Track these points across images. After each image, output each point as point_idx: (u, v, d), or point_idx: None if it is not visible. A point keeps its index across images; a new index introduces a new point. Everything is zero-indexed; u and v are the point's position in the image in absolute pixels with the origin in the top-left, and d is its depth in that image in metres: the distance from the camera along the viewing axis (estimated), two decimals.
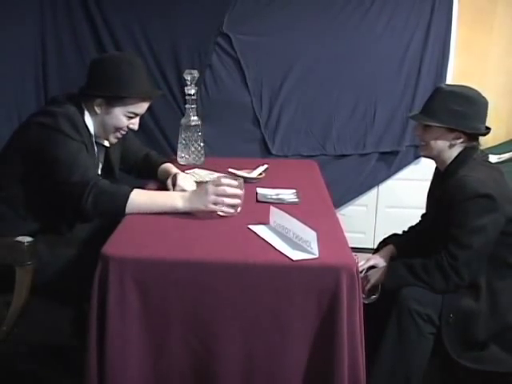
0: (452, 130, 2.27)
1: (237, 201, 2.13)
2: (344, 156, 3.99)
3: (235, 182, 2.14)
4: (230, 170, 2.68)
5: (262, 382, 1.80)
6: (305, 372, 1.79)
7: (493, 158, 3.65)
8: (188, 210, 2.11)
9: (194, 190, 2.20)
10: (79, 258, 2.20)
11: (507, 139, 4.03)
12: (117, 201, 2.10)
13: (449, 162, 2.32)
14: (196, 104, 2.94)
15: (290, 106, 3.91)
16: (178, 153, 2.95)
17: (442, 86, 2.37)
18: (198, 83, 3.15)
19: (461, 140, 2.28)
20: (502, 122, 4.05)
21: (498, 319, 2.20)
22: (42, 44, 3.82)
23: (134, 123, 2.32)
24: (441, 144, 2.30)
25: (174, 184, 2.38)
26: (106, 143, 2.41)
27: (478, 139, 2.33)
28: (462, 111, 2.24)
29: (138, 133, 2.40)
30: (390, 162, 3.99)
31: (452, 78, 3.88)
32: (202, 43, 3.80)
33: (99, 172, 2.43)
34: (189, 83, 2.87)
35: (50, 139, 2.12)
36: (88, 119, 2.27)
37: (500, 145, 3.97)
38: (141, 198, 2.12)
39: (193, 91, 2.88)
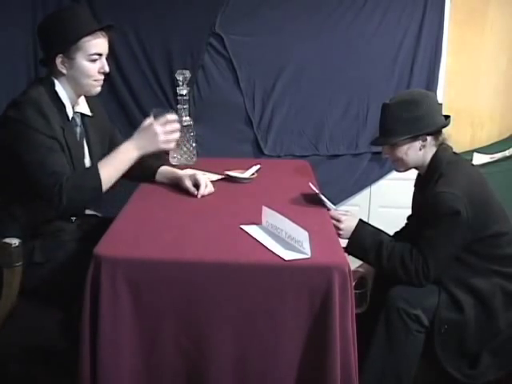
0: (415, 138, 2.28)
1: (178, 134, 2.30)
2: (337, 156, 4.00)
3: (175, 116, 2.29)
4: (227, 172, 2.68)
5: (255, 381, 1.80)
6: (297, 372, 1.79)
7: (485, 158, 3.67)
8: (143, 154, 2.24)
9: (141, 135, 2.24)
10: (71, 258, 2.19)
11: (500, 139, 4.04)
12: (91, 190, 2.13)
13: (426, 165, 2.34)
14: (188, 104, 2.93)
15: (282, 106, 3.91)
16: (170, 153, 2.94)
17: (386, 101, 2.36)
18: (190, 83, 3.15)
19: (428, 141, 2.30)
20: (494, 122, 4.06)
21: (490, 325, 2.23)
22: (34, 44, 3.80)
23: (103, 65, 2.27)
24: (412, 154, 2.32)
25: (196, 185, 2.40)
26: (88, 111, 2.39)
27: (441, 132, 2.34)
28: (415, 115, 2.25)
29: (130, 133, 2.38)
30: (383, 162, 3.99)
31: (444, 78, 3.89)
32: (194, 43, 3.80)
33: (86, 154, 2.38)
34: (181, 83, 2.86)
35: (16, 135, 2.11)
36: (59, 88, 2.24)
37: (493, 144, 3.99)
38: (109, 172, 2.17)
39: (185, 91, 2.87)
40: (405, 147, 2.30)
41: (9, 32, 3.54)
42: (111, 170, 2.19)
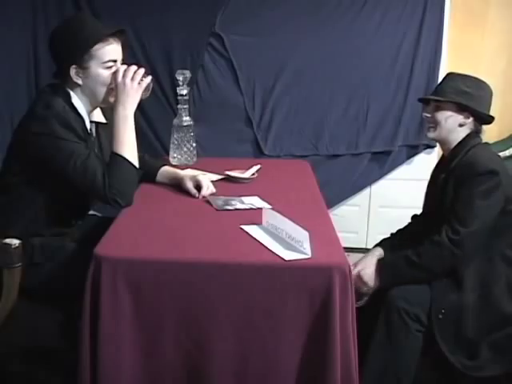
0: (462, 111, 2.31)
1: (142, 70, 2.24)
2: (336, 156, 4.00)
3: (125, 66, 2.22)
4: (227, 172, 2.68)
5: (255, 381, 1.80)
6: (298, 372, 1.79)
7: None
8: (135, 107, 2.21)
9: (120, 96, 2.19)
10: (71, 258, 2.19)
11: (500, 139, 4.04)
12: (131, 174, 2.18)
13: (454, 144, 2.36)
14: (188, 104, 2.93)
15: (282, 106, 3.91)
16: (171, 153, 2.94)
17: (453, 72, 2.41)
18: (191, 83, 3.15)
19: (470, 120, 2.33)
20: (494, 122, 4.03)
21: (491, 311, 2.21)
22: (34, 46, 3.80)
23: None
24: (451, 124, 2.33)
25: (198, 187, 2.39)
26: (102, 119, 2.38)
27: (481, 125, 2.38)
28: (472, 92, 2.30)
29: None
30: (383, 162, 4.00)
31: None
32: (194, 43, 3.80)
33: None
34: (181, 83, 2.86)
35: (48, 149, 2.10)
36: (76, 100, 2.21)
37: (492, 144, 3.96)
38: (128, 147, 2.18)
39: (185, 91, 2.87)
40: (448, 113, 2.33)
41: (8, 33, 3.54)
42: (128, 145, 2.19)
